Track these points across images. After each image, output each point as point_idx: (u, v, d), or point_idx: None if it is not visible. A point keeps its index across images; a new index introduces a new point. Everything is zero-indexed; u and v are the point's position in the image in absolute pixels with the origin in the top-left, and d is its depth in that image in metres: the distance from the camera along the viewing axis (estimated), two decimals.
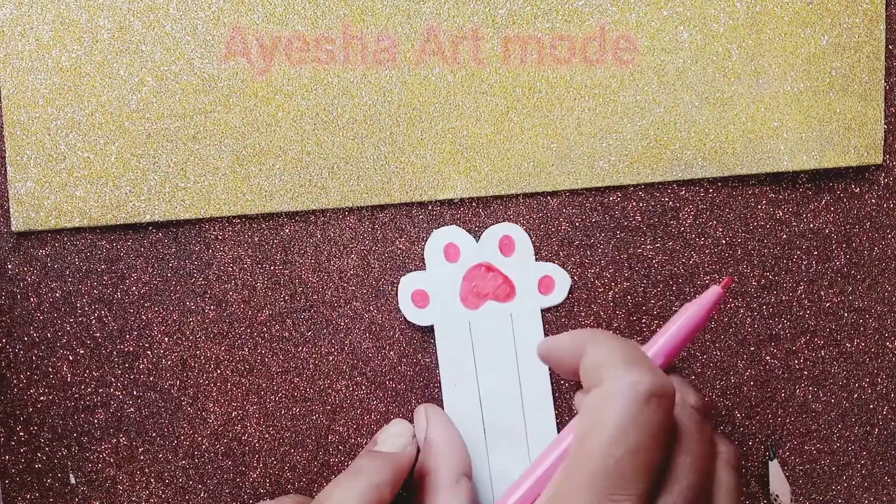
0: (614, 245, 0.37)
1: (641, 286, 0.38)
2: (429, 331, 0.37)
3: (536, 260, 0.37)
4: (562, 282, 0.37)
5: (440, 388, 0.37)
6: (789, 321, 0.38)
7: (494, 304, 0.37)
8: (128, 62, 0.35)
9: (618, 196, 0.37)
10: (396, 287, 0.37)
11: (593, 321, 0.37)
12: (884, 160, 0.38)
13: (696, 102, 0.37)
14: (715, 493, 0.28)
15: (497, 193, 0.37)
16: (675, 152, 0.37)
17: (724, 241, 0.38)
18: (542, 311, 0.37)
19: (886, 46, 0.37)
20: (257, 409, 0.37)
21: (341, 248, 0.37)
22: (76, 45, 0.35)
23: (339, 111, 0.36)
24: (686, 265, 0.38)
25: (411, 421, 0.36)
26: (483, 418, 0.37)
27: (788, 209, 0.38)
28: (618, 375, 0.27)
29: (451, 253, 0.37)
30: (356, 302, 0.37)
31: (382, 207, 0.37)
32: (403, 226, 0.37)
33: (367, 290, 0.37)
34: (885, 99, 0.37)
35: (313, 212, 0.37)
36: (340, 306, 0.37)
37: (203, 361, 0.37)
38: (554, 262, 0.37)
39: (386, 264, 0.37)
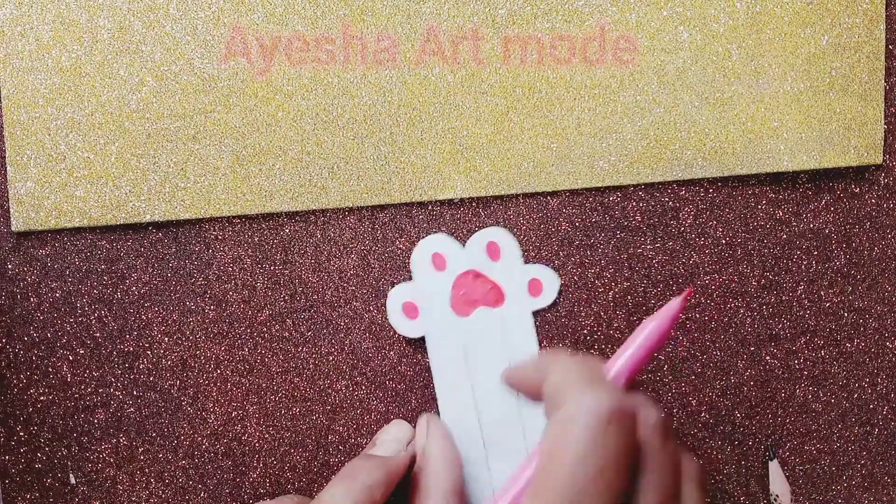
0: (614, 245, 0.37)
1: (641, 286, 0.38)
2: (420, 341, 0.37)
3: (532, 261, 0.37)
4: (551, 283, 0.37)
5: None
6: (789, 321, 0.38)
7: (485, 310, 0.37)
8: (128, 62, 0.35)
9: (618, 196, 0.37)
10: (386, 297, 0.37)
11: (593, 321, 0.37)
12: (884, 160, 0.38)
13: (696, 102, 0.37)
14: None
15: (497, 193, 0.37)
16: (675, 152, 0.37)
17: (724, 241, 0.38)
18: (540, 313, 0.37)
19: (886, 46, 0.37)
20: (257, 409, 0.37)
21: (341, 248, 0.37)
22: (76, 45, 0.35)
23: (339, 111, 0.36)
24: (686, 265, 0.38)
25: (413, 422, 0.37)
26: (479, 424, 0.37)
27: (788, 209, 0.38)
28: (579, 398, 0.27)
29: (438, 262, 0.37)
30: (356, 302, 0.37)
31: (382, 207, 0.37)
32: (403, 226, 0.37)
33: (367, 290, 0.37)
34: (885, 99, 0.37)
35: (313, 212, 0.37)
36: (340, 306, 0.37)
37: (203, 361, 0.37)
38: (554, 263, 0.37)
39: (386, 264, 0.37)
